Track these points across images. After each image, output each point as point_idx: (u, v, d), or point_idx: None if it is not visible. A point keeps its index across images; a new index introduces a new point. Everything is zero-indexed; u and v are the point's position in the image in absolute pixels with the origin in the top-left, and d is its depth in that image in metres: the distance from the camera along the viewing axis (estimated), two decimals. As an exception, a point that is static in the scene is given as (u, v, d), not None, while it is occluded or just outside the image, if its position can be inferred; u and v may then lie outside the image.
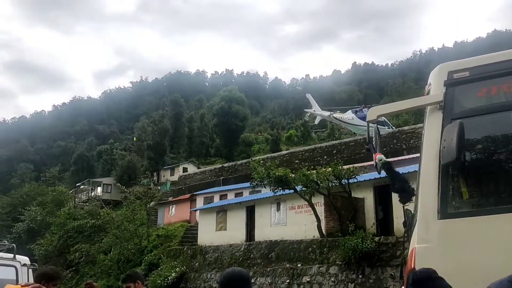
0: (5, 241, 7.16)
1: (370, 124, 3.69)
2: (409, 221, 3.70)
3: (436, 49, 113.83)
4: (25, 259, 6.51)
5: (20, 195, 50.79)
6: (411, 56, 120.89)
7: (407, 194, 3.42)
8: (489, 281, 2.78)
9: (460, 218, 3.09)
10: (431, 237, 3.10)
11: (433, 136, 3.36)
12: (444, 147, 3.07)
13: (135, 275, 5.92)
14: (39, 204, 43.11)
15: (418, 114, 56.35)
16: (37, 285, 4.00)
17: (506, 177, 3.18)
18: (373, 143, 3.65)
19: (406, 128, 32.01)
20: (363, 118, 26.70)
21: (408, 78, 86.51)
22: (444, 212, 3.09)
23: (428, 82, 3.77)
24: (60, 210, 39.82)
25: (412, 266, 3.09)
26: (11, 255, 6.16)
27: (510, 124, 3.26)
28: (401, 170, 15.30)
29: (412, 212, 3.77)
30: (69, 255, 31.69)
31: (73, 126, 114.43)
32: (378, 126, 3.77)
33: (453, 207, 3.15)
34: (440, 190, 3.15)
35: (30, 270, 6.26)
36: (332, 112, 39.84)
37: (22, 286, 4.21)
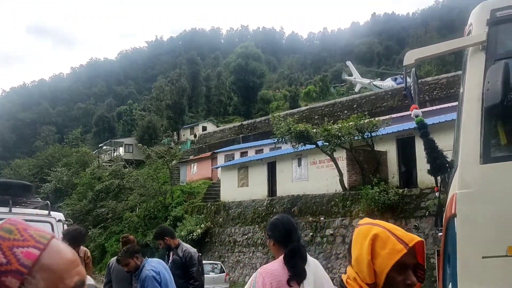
0: (39, 199, 7.35)
1: (408, 70, 3.54)
2: (448, 167, 3.60)
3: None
4: (60, 215, 6.71)
5: (45, 157, 52.21)
6: (433, 4, 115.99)
7: (440, 168, 3.36)
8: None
9: (503, 163, 2.99)
10: (473, 182, 3.02)
11: (475, 78, 3.20)
12: (488, 89, 2.94)
13: (162, 232, 6.05)
14: (64, 165, 44.34)
15: (440, 65, 54.82)
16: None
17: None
18: (411, 90, 3.52)
19: (429, 79, 31.17)
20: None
21: (430, 28, 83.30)
22: (487, 157, 2.99)
23: (469, 22, 3.57)
24: (85, 171, 40.90)
25: (453, 212, 3.04)
26: (46, 212, 6.32)
27: (558, 63, 3.08)
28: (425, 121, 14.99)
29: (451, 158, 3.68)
30: (96, 211, 32.79)
31: (92, 88, 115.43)
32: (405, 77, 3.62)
33: (496, 151, 3.04)
34: (483, 134, 3.04)
35: (65, 226, 6.45)
36: (372, 80, 39.82)
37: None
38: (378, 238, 1.57)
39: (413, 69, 3.54)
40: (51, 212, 6.41)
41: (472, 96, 3.18)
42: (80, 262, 0.98)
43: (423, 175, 16.99)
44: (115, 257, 6.38)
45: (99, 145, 59.51)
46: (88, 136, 76.80)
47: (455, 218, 3.02)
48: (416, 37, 79.19)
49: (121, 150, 53.04)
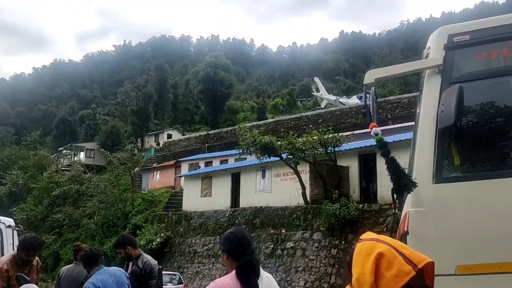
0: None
1: (368, 88, 3.61)
2: (411, 186, 3.68)
3: (424, 20, 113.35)
4: (9, 221, 6.42)
5: (1, 159, 50.01)
6: (399, 25, 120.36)
7: (405, 187, 3.39)
8: (479, 245, 2.81)
9: (454, 183, 3.08)
10: (425, 201, 3.10)
11: (431, 100, 3.31)
12: (442, 111, 3.03)
13: (124, 241, 5.84)
14: (20, 168, 42.61)
15: (403, 85, 56.66)
16: None
17: (500, 143, 3.17)
18: (370, 108, 3.58)
19: (392, 98, 32.13)
20: None
21: (395, 48, 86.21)
22: (440, 177, 3.08)
23: (427, 46, 3.69)
24: (43, 175, 39.44)
25: (405, 229, 3.10)
26: (-5, 217, 6.03)
27: (508, 90, 3.23)
28: (386, 139, 15.41)
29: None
30: (52, 217, 31.61)
31: (54, 90, 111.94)
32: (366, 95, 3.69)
33: (448, 171, 3.13)
34: (436, 155, 3.12)
35: (15, 232, 6.17)
36: (338, 97, 40.78)
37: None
38: (383, 257, 1.42)
39: (373, 88, 3.62)
40: (1, 218, 6.13)
41: (427, 117, 3.27)
42: None
43: (383, 191, 17.39)
44: (66, 266, 6.13)
45: (59, 149, 57.68)
46: (47, 139, 74.30)
47: (407, 236, 3.08)
48: (381, 57, 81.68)
49: (82, 155, 51.64)
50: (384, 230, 15.11)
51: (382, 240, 1.48)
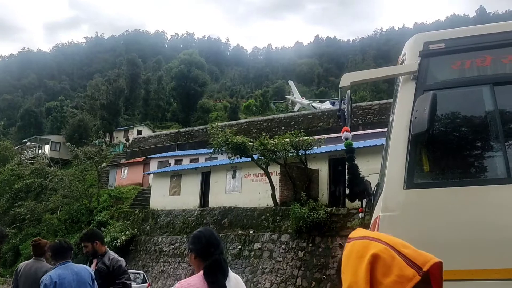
0: None
1: (343, 92, 3.60)
2: (373, 190, 3.69)
3: (397, 29, 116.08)
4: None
5: (-39, 148, 47.96)
6: (372, 33, 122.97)
7: (357, 195, 3.43)
8: (449, 251, 2.83)
9: (425, 189, 3.11)
10: (395, 206, 3.10)
11: (404, 106, 3.32)
12: (415, 117, 3.05)
13: (93, 234, 5.63)
14: (-20, 159, 40.97)
15: (375, 91, 57.72)
16: None
17: (469, 152, 3.22)
18: (345, 111, 3.58)
19: (363, 104, 32.65)
20: None
21: (368, 55, 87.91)
22: (411, 182, 3.09)
23: (403, 52, 3.71)
24: (5, 167, 38.06)
25: (375, 234, 3.09)
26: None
27: (480, 99, 3.27)
28: (356, 144, 15.69)
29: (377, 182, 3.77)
30: (13, 211, 30.53)
31: (21, 80, 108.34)
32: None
33: (419, 177, 3.15)
34: (408, 161, 3.13)
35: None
36: (311, 101, 41.26)
37: None
38: (379, 259, 1.15)
39: (349, 91, 3.61)
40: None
41: (400, 123, 3.28)
42: None
43: (351, 196, 17.61)
44: (25, 262, 5.90)
45: (23, 141, 55.77)
46: (11, 130, 71.78)
47: (377, 240, 3.07)
48: (354, 63, 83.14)
49: (47, 147, 50.14)
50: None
51: (376, 238, 1.21)
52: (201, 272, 2.56)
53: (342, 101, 3.82)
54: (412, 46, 3.55)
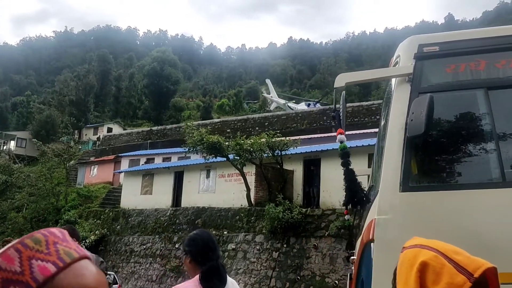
0: None
1: (338, 92, 3.55)
2: (366, 193, 3.66)
3: (368, 33, 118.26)
4: None
5: None
6: (344, 37, 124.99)
7: (358, 202, 3.39)
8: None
9: (421, 192, 3.09)
10: (391, 209, 3.07)
11: (400, 108, 3.29)
12: (411, 120, 3.02)
13: (70, 230, 5.40)
14: None
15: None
16: None
17: (464, 155, 3.23)
18: (340, 113, 3.53)
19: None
20: None
21: (340, 58, 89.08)
22: (406, 185, 3.07)
23: (396, 54, 3.70)
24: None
25: (371, 237, 3.05)
26: None
27: (474, 103, 3.29)
28: (332, 146, 15.78)
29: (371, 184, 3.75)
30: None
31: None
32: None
33: (415, 180, 3.14)
34: (404, 163, 3.11)
35: None
36: (287, 101, 41.51)
37: None
38: (428, 267, 1.15)
39: (343, 92, 3.56)
40: None
41: (395, 125, 3.25)
42: None
43: (325, 197, 17.74)
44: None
45: (-13, 136, 53.71)
46: (-26, 124, 69.03)
47: (372, 243, 3.03)
48: (326, 65, 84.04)
49: (12, 143, 48.59)
50: (326, 235, 15.40)
51: (427, 246, 1.21)
52: (197, 277, 2.44)
53: (335, 102, 3.76)
54: (407, 48, 3.54)
